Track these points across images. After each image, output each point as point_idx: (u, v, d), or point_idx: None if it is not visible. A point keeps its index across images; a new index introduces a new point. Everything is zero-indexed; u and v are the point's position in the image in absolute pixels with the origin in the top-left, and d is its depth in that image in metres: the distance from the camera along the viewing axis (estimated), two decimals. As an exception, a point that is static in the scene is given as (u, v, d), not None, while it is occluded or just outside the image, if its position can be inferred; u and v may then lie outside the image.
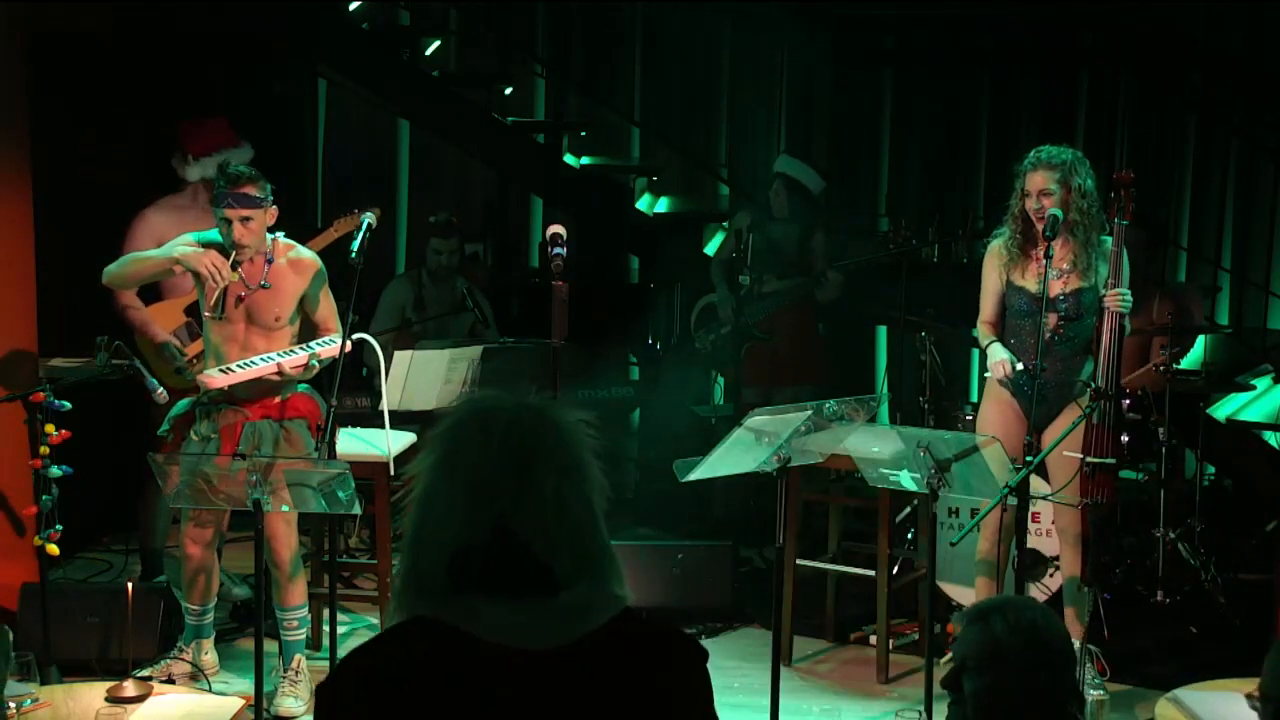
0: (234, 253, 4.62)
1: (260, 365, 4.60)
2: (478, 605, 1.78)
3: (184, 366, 5.32)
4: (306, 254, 4.81)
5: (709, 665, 1.89)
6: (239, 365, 4.60)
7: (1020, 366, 4.74)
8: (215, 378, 4.54)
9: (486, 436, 1.81)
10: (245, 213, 4.60)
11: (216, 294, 4.66)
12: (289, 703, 4.76)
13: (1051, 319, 4.74)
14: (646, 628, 1.86)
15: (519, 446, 1.81)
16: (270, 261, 4.71)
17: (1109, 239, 4.71)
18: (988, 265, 4.91)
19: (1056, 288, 4.75)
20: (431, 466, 1.83)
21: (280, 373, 4.61)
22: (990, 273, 4.89)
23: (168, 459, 4.31)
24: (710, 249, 7.62)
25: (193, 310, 5.50)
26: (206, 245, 4.69)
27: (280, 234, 4.79)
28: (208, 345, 4.80)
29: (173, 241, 4.81)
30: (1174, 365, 5.67)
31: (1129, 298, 4.68)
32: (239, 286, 4.69)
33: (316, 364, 4.66)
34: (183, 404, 4.80)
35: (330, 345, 4.62)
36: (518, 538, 1.78)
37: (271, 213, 4.69)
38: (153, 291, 5.52)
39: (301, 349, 4.65)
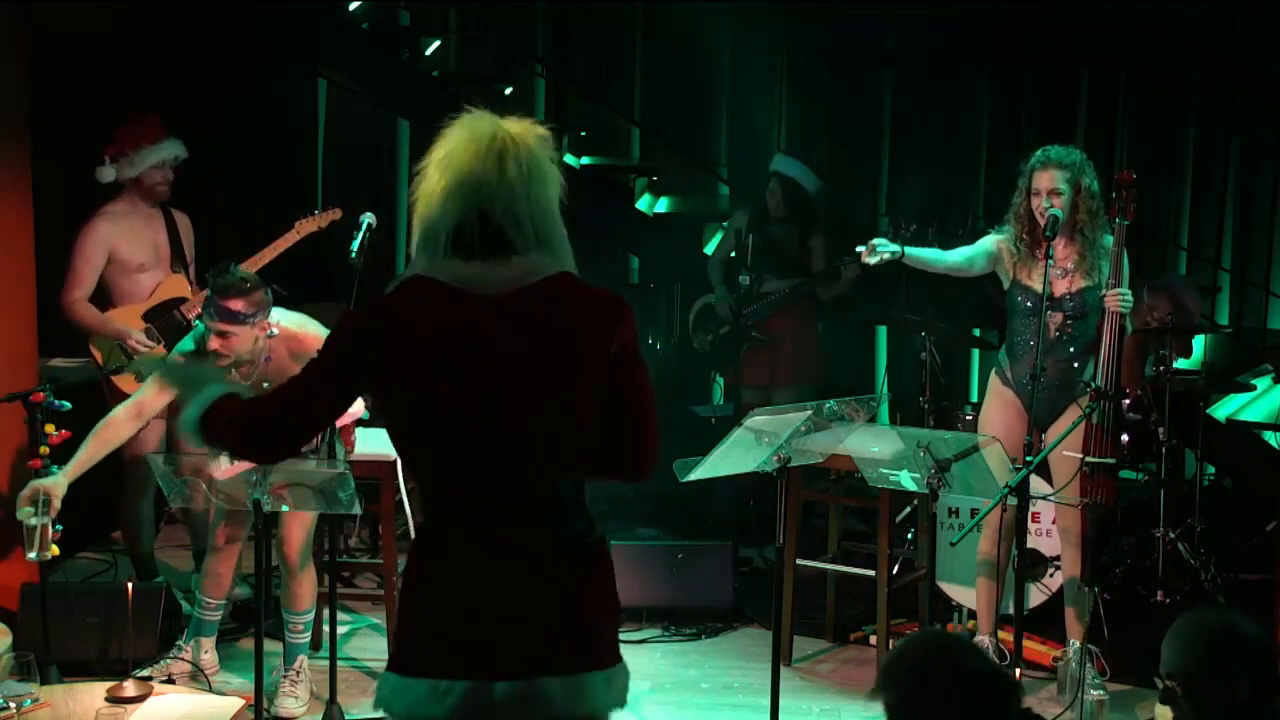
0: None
1: None
2: (459, 265, 2.49)
3: (138, 369, 5.31)
4: (309, 337, 4.63)
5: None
6: None
7: (884, 249, 4.72)
8: (221, 468, 4.46)
9: (475, 145, 2.51)
10: (224, 328, 4.45)
11: None
12: (289, 703, 4.75)
13: (1057, 318, 4.74)
14: (581, 282, 2.54)
15: (499, 153, 2.50)
16: (268, 360, 4.59)
17: (1110, 239, 4.70)
18: (996, 243, 4.84)
19: (1061, 287, 4.74)
20: (434, 165, 2.55)
21: None
22: (994, 244, 4.84)
23: (168, 458, 4.30)
24: (710, 249, 7.63)
25: (150, 316, 5.49)
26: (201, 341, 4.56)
27: (280, 320, 4.59)
28: None
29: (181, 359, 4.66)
30: (1172, 365, 5.69)
31: (1129, 298, 4.67)
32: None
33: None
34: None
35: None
36: (493, 218, 2.49)
37: (263, 325, 4.51)
38: (105, 298, 5.52)
39: None
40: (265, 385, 4.69)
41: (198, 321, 4.59)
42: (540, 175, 2.52)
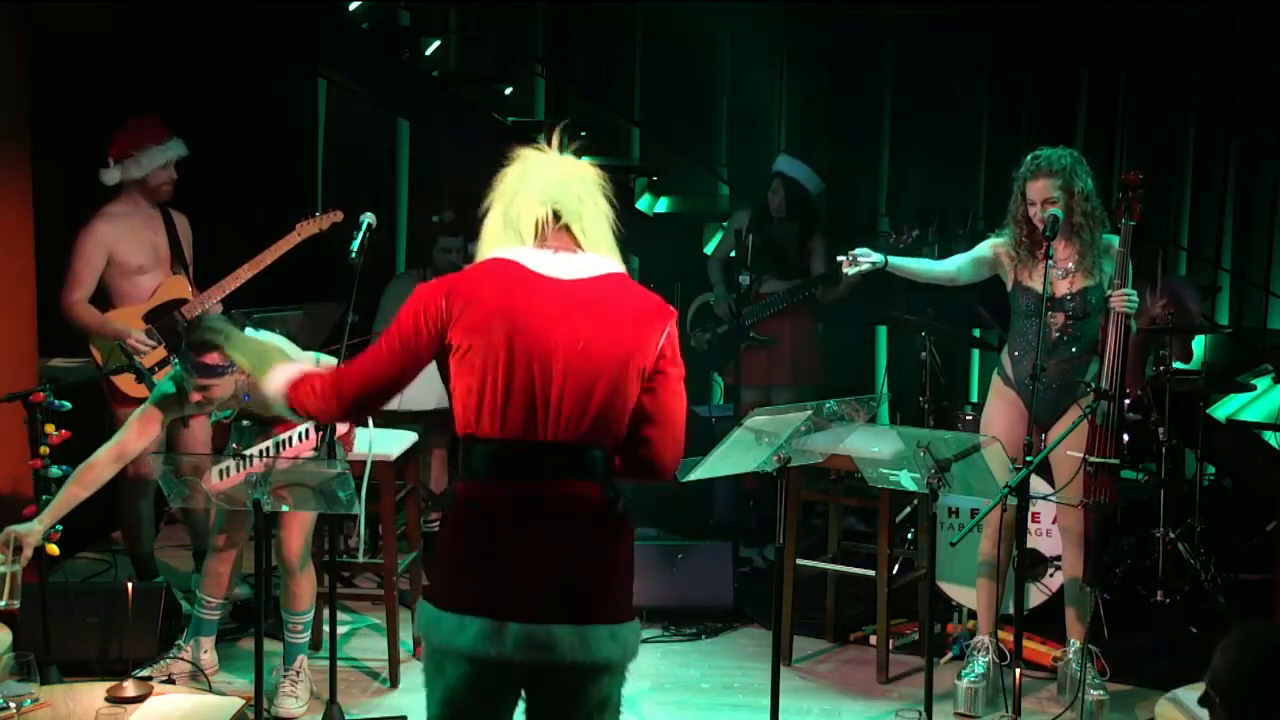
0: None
1: (257, 463, 4.53)
2: (532, 252, 2.91)
3: (143, 369, 5.29)
4: None
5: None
6: (236, 465, 4.30)
7: (867, 259, 4.77)
8: (214, 482, 4.45)
9: (548, 166, 2.98)
10: (204, 382, 4.42)
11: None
12: (289, 703, 4.75)
13: (1059, 318, 4.73)
14: (632, 281, 2.97)
15: (567, 174, 2.97)
16: (248, 397, 4.56)
17: (1115, 238, 4.68)
18: (993, 248, 4.85)
19: (1063, 287, 4.73)
20: (509, 180, 2.99)
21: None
22: (990, 249, 4.85)
23: (168, 458, 4.30)
24: (710, 249, 7.63)
25: (150, 317, 5.49)
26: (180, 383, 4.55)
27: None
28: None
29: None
30: (1172, 365, 5.69)
31: (1135, 298, 4.62)
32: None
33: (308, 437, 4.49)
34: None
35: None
36: (563, 216, 2.94)
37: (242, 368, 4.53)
38: (105, 300, 5.52)
39: (298, 435, 4.49)
40: (245, 423, 4.68)
41: (175, 362, 4.58)
42: (598, 195, 2.99)
